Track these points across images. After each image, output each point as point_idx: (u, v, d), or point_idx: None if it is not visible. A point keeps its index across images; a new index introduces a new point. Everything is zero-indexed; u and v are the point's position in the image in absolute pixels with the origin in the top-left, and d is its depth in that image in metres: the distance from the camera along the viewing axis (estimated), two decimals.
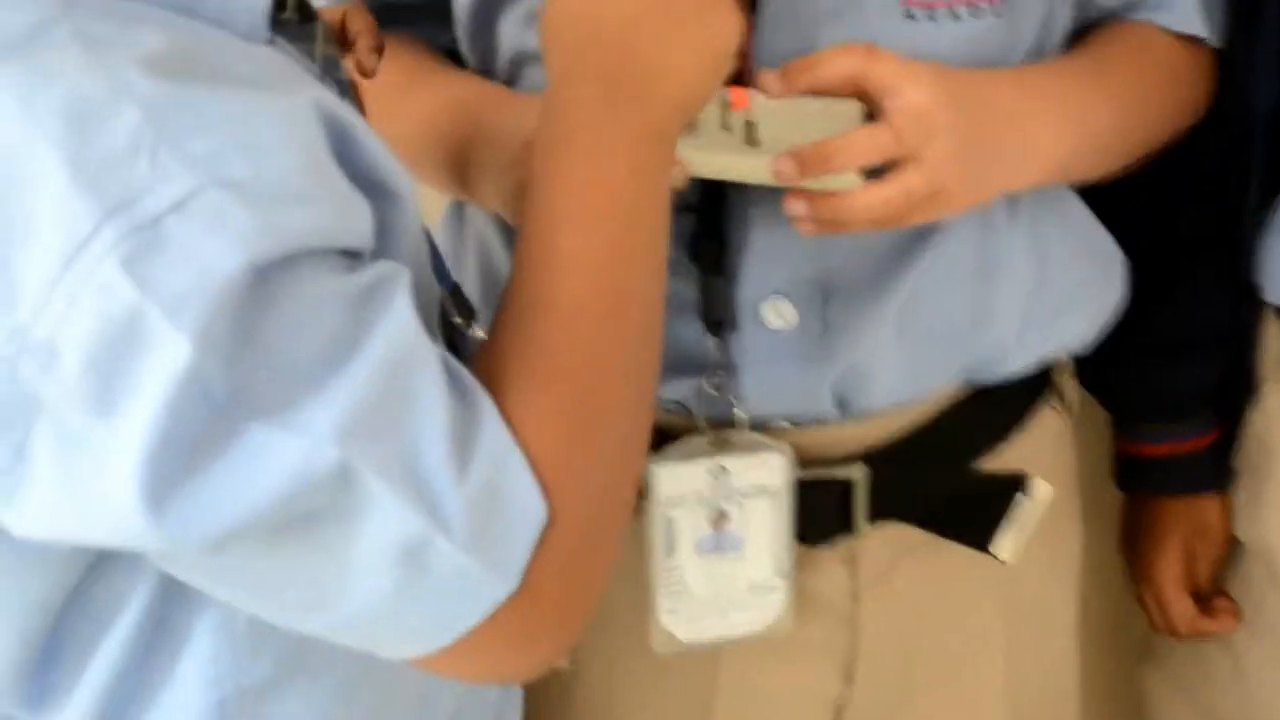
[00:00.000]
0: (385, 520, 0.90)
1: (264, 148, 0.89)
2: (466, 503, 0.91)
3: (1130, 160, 1.42)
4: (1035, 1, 1.34)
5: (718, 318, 1.30)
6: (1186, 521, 1.60)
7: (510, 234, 1.34)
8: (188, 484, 0.86)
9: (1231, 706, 1.60)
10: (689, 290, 1.30)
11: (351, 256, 0.92)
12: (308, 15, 1.07)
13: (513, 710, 1.21)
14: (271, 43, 1.00)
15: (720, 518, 1.32)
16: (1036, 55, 1.35)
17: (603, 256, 1.01)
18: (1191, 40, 1.42)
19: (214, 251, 0.85)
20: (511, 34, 1.34)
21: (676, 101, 1.06)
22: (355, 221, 0.93)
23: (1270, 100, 1.44)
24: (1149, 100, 1.40)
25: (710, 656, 1.38)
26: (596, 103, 1.03)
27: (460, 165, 1.32)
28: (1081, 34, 1.41)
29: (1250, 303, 1.51)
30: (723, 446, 1.32)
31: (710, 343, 1.31)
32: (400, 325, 0.92)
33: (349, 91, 1.09)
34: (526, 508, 0.94)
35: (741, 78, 1.21)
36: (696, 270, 1.30)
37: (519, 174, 1.23)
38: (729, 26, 1.08)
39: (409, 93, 1.35)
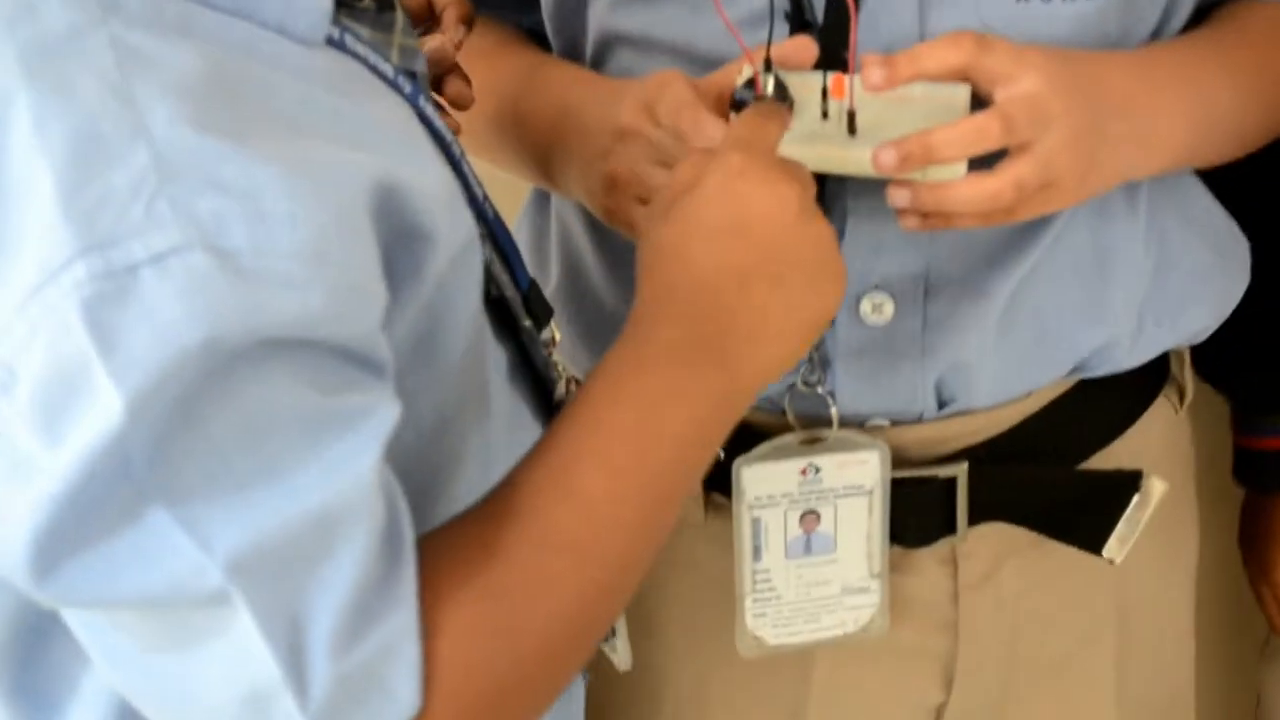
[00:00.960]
0: (243, 658, 0.85)
1: (272, 220, 0.83)
2: (336, 678, 0.85)
3: (1256, 146, 1.35)
4: None
5: None
6: None
7: (595, 224, 1.31)
8: (78, 551, 0.83)
9: None
10: None
11: (346, 359, 0.87)
12: (385, 3, 1.02)
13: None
14: (339, 42, 0.95)
15: (811, 518, 1.28)
16: (1158, 37, 1.29)
17: (614, 511, 0.94)
18: None
19: (178, 318, 0.81)
20: (601, 15, 1.29)
21: (761, 370, 1.00)
22: (356, 319, 0.87)
23: None
24: (1276, 83, 1.33)
25: (803, 660, 1.34)
26: (677, 351, 0.97)
27: (544, 152, 1.28)
28: (1205, 12, 1.34)
29: None
30: (814, 445, 1.27)
31: None
32: (354, 475, 0.86)
33: (425, 84, 1.04)
34: (398, 703, 0.87)
35: (843, 63, 1.16)
36: None
37: (607, 166, 1.20)
38: (835, 296, 1.04)
39: (492, 72, 1.30)
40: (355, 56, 0.97)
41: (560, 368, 1.13)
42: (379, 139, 0.92)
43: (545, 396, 1.11)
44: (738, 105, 1.16)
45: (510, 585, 0.91)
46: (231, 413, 0.82)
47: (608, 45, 1.30)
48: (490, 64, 1.32)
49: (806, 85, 1.16)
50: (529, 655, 0.92)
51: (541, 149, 1.28)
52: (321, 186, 0.86)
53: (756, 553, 1.27)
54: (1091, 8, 1.23)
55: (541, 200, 1.42)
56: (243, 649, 0.84)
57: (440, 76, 1.19)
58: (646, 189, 1.18)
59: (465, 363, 0.99)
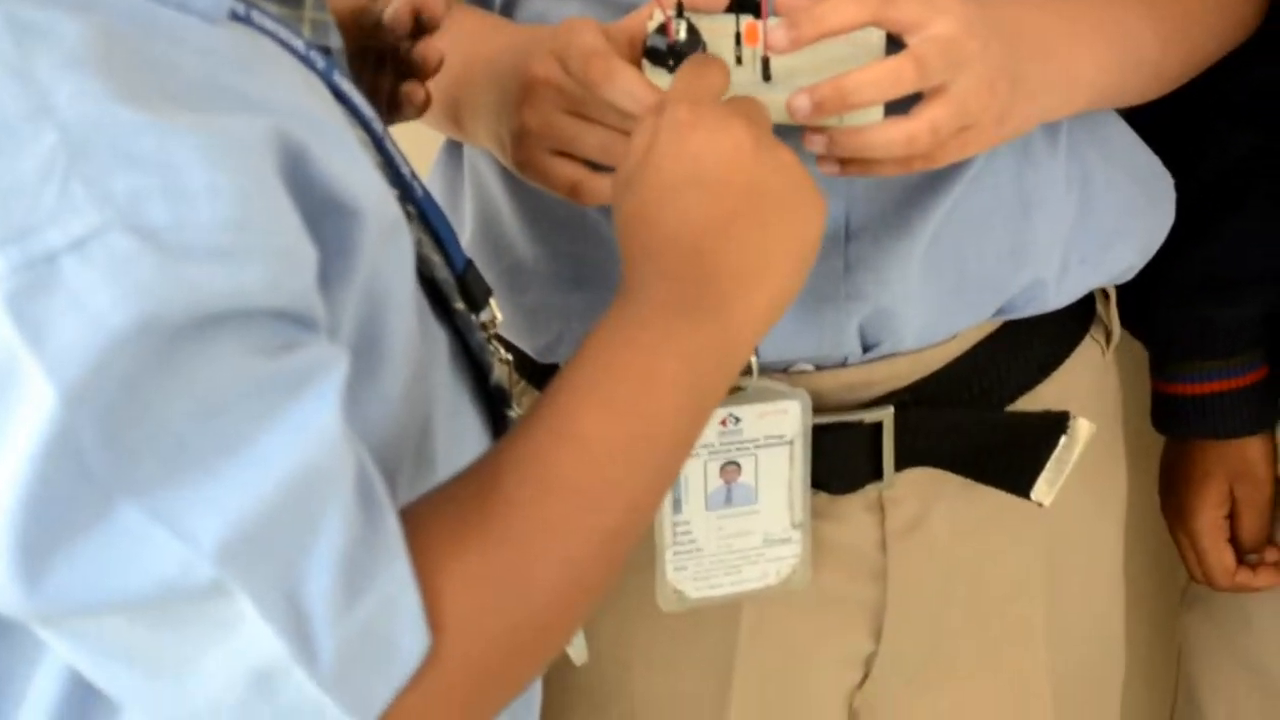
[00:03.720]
0: (248, 642, 0.82)
1: (192, 193, 0.79)
2: (342, 640, 0.82)
3: (1175, 85, 1.34)
4: None
5: None
6: (1229, 465, 1.53)
7: (508, 176, 1.28)
8: (58, 554, 0.79)
9: (1273, 654, 1.55)
10: None
11: (286, 320, 0.83)
12: None
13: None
14: (245, 17, 0.91)
15: (732, 469, 1.25)
16: None
17: (617, 454, 0.92)
18: None
19: (106, 302, 0.77)
20: None
21: (759, 310, 0.99)
22: (291, 282, 0.83)
23: None
24: (1197, 20, 1.32)
25: (729, 613, 1.32)
26: (669, 305, 0.96)
27: (454, 102, 1.25)
28: None
29: None
30: (734, 395, 1.24)
31: None
32: (319, 432, 0.82)
33: (340, 60, 1.00)
34: (405, 652, 0.85)
35: (756, 6, 1.13)
36: None
37: (518, 119, 1.17)
38: (817, 219, 1.02)
39: None
40: (264, 31, 0.92)
41: (499, 351, 1.11)
42: (287, 111, 0.88)
43: (482, 381, 1.08)
44: (650, 52, 1.14)
45: (513, 532, 0.89)
46: (180, 393, 0.79)
47: None
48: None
49: (719, 30, 1.14)
50: (538, 602, 0.90)
51: (451, 99, 1.25)
52: (235, 152, 0.82)
53: (676, 504, 1.25)
54: None
55: (454, 150, 1.39)
56: (244, 633, 0.82)
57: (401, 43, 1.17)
58: (559, 140, 1.16)
59: (405, 349, 0.96)
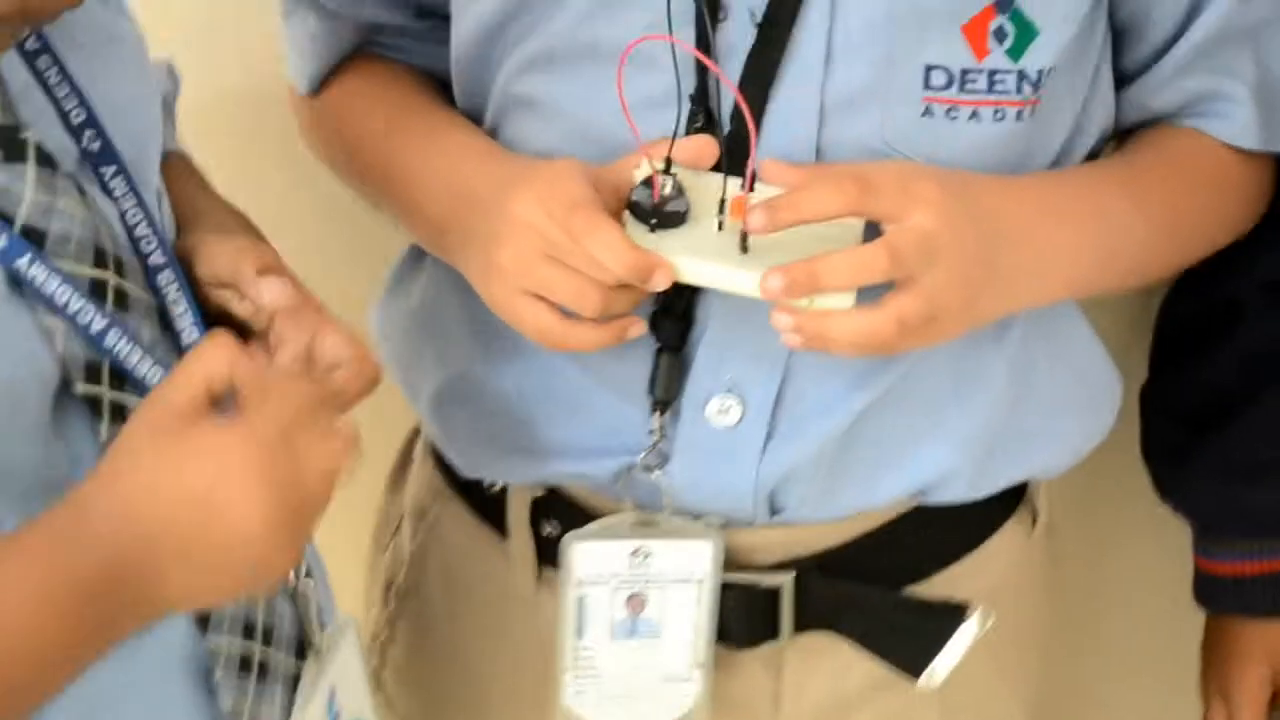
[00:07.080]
0: None
1: None
2: None
3: (1162, 277, 1.33)
4: (1066, 108, 1.23)
5: (665, 398, 1.23)
6: (1269, 645, 1.49)
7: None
8: None
9: None
10: (639, 371, 1.23)
11: None
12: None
13: None
14: None
15: (638, 601, 1.26)
16: (1064, 159, 1.25)
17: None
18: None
19: None
20: (508, 77, 1.24)
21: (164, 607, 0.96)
22: None
23: None
24: (1190, 215, 1.29)
25: None
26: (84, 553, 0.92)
27: (442, 230, 1.26)
28: (1126, 136, 1.30)
29: None
30: (647, 528, 1.25)
31: (652, 422, 1.23)
32: None
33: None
34: None
35: (742, 169, 1.13)
36: (653, 343, 1.22)
37: (495, 256, 1.17)
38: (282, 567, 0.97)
39: (392, 139, 1.29)
40: None
41: None
42: None
43: None
44: (633, 206, 1.14)
45: None
46: None
47: (506, 108, 1.26)
48: (391, 127, 1.31)
49: (705, 187, 1.14)
50: None
51: (439, 227, 1.26)
52: None
53: (580, 630, 1.26)
54: (998, 131, 1.18)
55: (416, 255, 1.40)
56: None
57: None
58: (532, 283, 1.15)
59: None
